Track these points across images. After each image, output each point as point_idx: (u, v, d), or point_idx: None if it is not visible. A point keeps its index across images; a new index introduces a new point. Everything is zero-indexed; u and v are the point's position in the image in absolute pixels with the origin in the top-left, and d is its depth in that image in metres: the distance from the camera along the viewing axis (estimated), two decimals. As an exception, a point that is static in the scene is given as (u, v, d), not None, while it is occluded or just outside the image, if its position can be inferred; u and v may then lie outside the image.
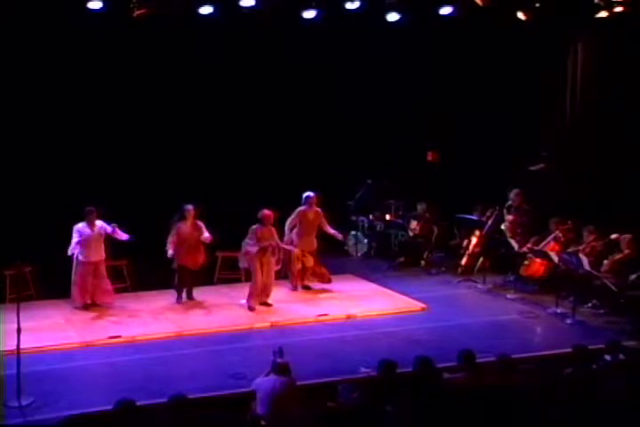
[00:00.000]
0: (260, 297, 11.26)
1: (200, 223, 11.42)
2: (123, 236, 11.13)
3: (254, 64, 13.72)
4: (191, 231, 11.35)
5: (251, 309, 11.13)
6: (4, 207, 12.01)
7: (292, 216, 11.94)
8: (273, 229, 11.33)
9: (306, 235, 11.96)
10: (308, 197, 11.95)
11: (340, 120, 14.55)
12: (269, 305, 11.30)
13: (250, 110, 13.96)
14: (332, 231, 12.11)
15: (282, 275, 11.98)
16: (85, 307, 11.06)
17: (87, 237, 10.90)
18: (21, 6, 10.89)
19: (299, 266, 12.04)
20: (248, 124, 14.03)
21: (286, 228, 11.89)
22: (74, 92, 12.79)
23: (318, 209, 12.02)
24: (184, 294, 11.55)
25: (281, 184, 13.47)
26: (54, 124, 12.75)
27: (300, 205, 11.98)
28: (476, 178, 14.12)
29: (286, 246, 11.61)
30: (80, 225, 10.94)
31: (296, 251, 11.93)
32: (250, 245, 11.16)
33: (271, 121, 14.21)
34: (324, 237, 12.33)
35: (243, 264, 11.59)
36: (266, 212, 11.20)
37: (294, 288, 12.15)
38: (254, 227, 11.18)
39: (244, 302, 11.23)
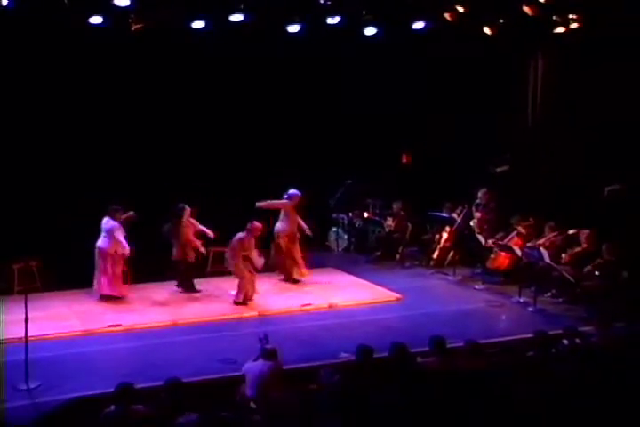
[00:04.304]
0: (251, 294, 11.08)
1: (194, 221, 11.41)
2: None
3: (252, 64, 13.30)
4: (186, 229, 11.32)
5: (237, 304, 10.90)
6: (12, 205, 11.85)
7: (278, 202, 11.79)
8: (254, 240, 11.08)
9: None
10: (294, 194, 11.87)
11: (325, 122, 14.15)
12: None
13: (249, 111, 13.64)
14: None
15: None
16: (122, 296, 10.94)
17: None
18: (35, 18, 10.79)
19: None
20: (244, 124, 13.68)
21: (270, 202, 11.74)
22: (85, 99, 12.67)
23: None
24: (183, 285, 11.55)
25: (267, 183, 13.34)
26: (56, 124, 12.54)
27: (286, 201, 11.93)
28: (447, 178, 14.06)
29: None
30: (113, 222, 10.77)
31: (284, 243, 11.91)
32: (232, 258, 10.96)
33: (264, 123, 13.82)
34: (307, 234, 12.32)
35: (230, 267, 11.23)
36: (256, 224, 10.97)
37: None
38: (242, 236, 10.91)
39: (233, 292, 11.04)
